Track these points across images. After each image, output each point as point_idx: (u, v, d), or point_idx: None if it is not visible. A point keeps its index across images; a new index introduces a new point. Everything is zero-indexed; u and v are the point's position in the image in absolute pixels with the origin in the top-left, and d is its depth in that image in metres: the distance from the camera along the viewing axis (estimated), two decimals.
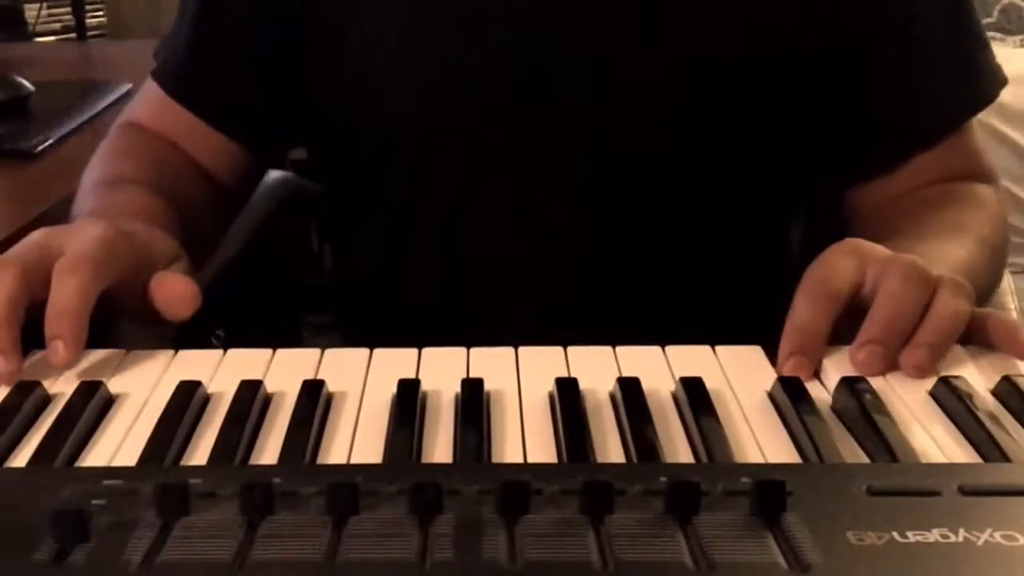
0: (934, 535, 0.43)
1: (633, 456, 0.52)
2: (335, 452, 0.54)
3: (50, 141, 1.17)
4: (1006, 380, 0.59)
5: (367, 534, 0.43)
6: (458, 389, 0.58)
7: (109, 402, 0.59)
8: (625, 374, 0.60)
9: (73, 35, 2.52)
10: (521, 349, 0.64)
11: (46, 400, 0.59)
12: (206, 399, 0.59)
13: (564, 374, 0.60)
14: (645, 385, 0.58)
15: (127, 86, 1.37)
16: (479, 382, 0.58)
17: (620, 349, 0.64)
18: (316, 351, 0.64)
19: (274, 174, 1.24)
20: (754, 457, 0.53)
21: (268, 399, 0.59)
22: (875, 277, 0.63)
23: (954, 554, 0.42)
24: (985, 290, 0.78)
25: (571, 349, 0.64)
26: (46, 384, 0.60)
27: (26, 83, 1.31)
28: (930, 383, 0.59)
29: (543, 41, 0.83)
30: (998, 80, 0.89)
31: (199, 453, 0.54)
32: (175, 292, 0.67)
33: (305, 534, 0.43)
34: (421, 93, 0.85)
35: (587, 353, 0.64)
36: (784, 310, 0.64)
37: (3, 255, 0.64)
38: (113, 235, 0.66)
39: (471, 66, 0.83)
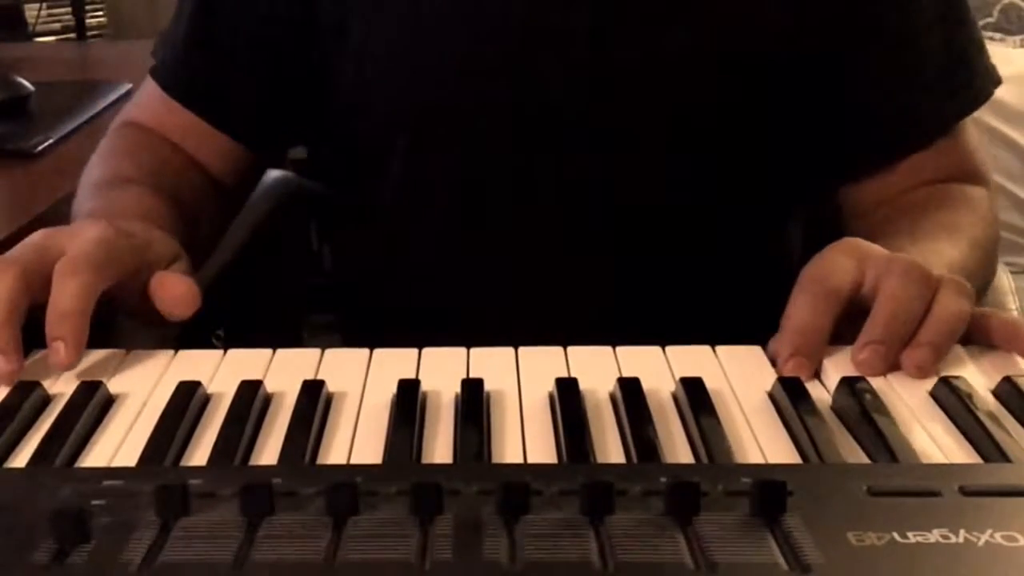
0: (934, 536, 0.43)
1: (633, 456, 0.52)
2: (335, 452, 0.54)
3: (50, 141, 1.17)
4: (1006, 380, 0.59)
5: (367, 534, 0.43)
6: (458, 389, 0.58)
7: (109, 402, 0.59)
8: (625, 374, 0.60)
9: (73, 35, 2.52)
10: (521, 349, 0.64)
11: (46, 400, 0.59)
12: (206, 399, 0.59)
13: (564, 374, 0.60)
14: (645, 385, 0.58)
15: (127, 86, 1.36)
16: (479, 382, 0.58)
17: (620, 349, 0.64)
18: (316, 351, 0.64)
19: (274, 174, 1.24)
20: (754, 457, 0.53)
21: (268, 399, 0.59)
22: (875, 277, 0.63)
23: (954, 555, 0.42)
24: (977, 291, 0.78)
25: (571, 349, 0.64)
26: (46, 384, 0.60)
27: (26, 83, 1.31)
28: (930, 383, 0.59)
29: (540, 39, 0.82)
30: (992, 80, 0.89)
31: (199, 453, 0.54)
32: (175, 292, 0.67)
33: (305, 534, 0.43)
34: (419, 93, 0.85)
35: (587, 353, 0.64)
36: (784, 310, 0.64)
37: (3, 256, 0.64)
38: (113, 235, 0.66)
39: (468, 66, 0.83)
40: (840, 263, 0.64)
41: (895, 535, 0.43)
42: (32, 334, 0.62)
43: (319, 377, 0.60)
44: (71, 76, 1.57)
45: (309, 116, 0.90)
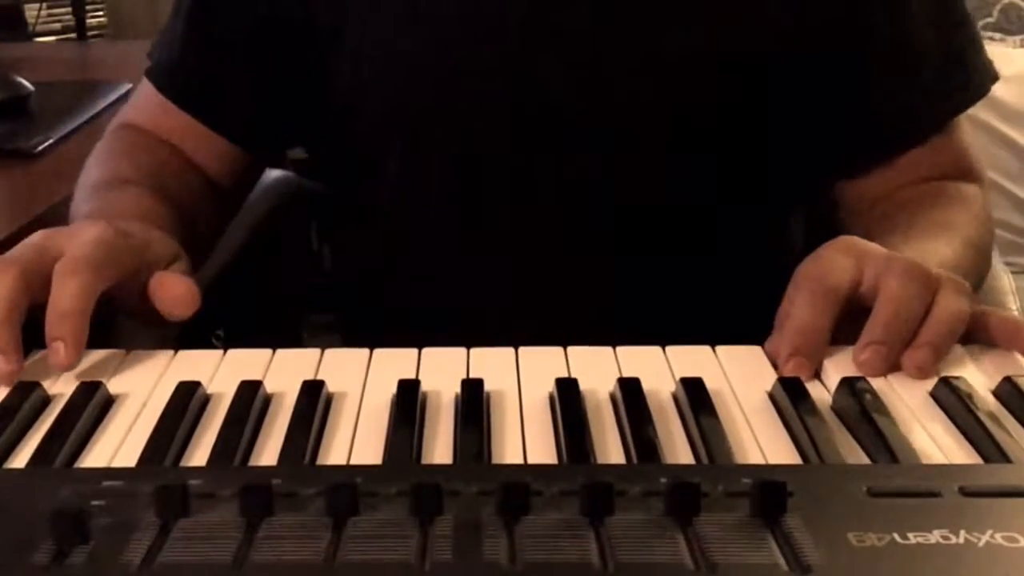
0: (935, 536, 0.43)
1: (633, 457, 0.52)
2: (335, 453, 0.54)
3: (50, 141, 1.17)
4: (1007, 380, 0.59)
5: (367, 535, 0.43)
6: (458, 389, 0.58)
7: (109, 402, 0.59)
8: (625, 374, 0.60)
9: (73, 35, 2.52)
10: (521, 349, 0.64)
11: (46, 400, 0.59)
12: (206, 399, 0.59)
13: (564, 374, 0.60)
14: (645, 385, 0.58)
15: (127, 86, 1.36)
16: (479, 382, 0.58)
17: (620, 349, 0.64)
18: (316, 351, 0.64)
19: (274, 174, 1.24)
20: (754, 458, 0.53)
21: (268, 399, 0.59)
22: (874, 276, 0.63)
23: (955, 555, 0.42)
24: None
25: (571, 349, 0.64)
26: (46, 384, 0.60)
27: (26, 83, 1.31)
28: (930, 383, 0.59)
29: (540, 39, 0.82)
30: (989, 76, 0.89)
31: (199, 454, 0.54)
32: (174, 292, 0.67)
33: (305, 535, 0.43)
34: (416, 93, 0.85)
35: (587, 353, 0.64)
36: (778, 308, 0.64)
37: (2, 256, 0.64)
38: (112, 236, 0.66)
39: (467, 66, 0.83)
40: (838, 262, 0.64)
41: (895, 536, 0.43)
42: (32, 334, 0.62)
43: (319, 377, 0.60)
44: (71, 76, 1.57)
45: (306, 117, 0.90)
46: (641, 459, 0.52)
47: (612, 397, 0.59)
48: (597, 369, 0.61)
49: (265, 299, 1.27)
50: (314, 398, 0.57)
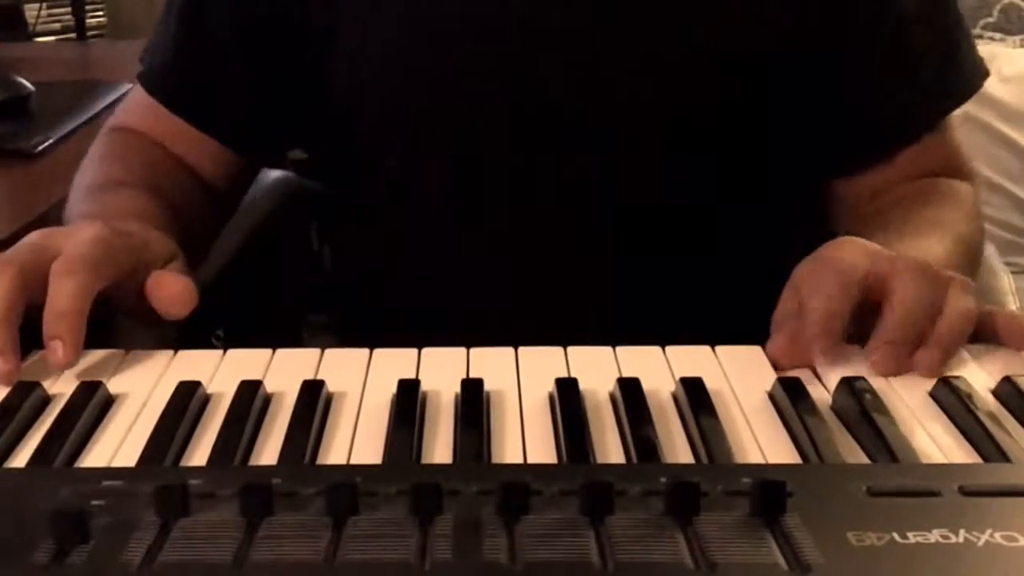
0: (934, 536, 0.43)
1: (633, 456, 0.52)
2: (335, 452, 0.54)
3: (50, 141, 1.17)
4: (1007, 380, 0.59)
5: (367, 535, 0.43)
6: (458, 389, 0.58)
7: (109, 402, 0.59)
8: (625, 374, 0.60)
9: (73, 35, 2.52)
10: (521, 349, 0.64)
11: (45, 400, 0.59)
12: (206, 399, 0.59)
13: (564, 374, 0.60)
14: (645, 385, 0.58)
15: (127, 86, 1.36)
16: (479, 382, 0.58)
17: (620, 349, 0.64)
18: (316, 351, 0.64)
19: (274, 174, 1.24)
20: (754, 457, 0.53)
21: (268, 399, 0.59)
22: (882, 274, 0.63)
23: (954, 555, 0.42)
24: None
25: (571, 349, 0.64)
26: (46, 384, 0.60)
27: (26, 83, 1.31)
28: (930, 383, 0.59)
29: (540, 39, 0.82)
30: (980, 73, 0.90)
31: (199, 453, 0.54)
32: (172, 291, 0.67)
33: (305, 535, 0.43)
34: (416, 93, 0.85)
35: (587, 353, 0.64)
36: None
37: (0, 256, 0.64)
38: (109, 235, 0.66)
39: (467, 66, 0.83)
40: (849, 258, 0.64)
41: (895, 535, 0.43)
42: (31, 335, 0.62)
43: (319, 377, 0.60)
44: (71, 76, 1.57)
45: (302, 118, 0.90)
46: (641, 459, 0.52)
47: (612, 397, 0.59)
48: (597, 369, 0.61)
49: (265, 299, 1.27)
50: (314, 398, 0.57)
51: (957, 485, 0.46)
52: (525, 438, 0.55)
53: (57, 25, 2.76)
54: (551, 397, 0.58)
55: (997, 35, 1.98)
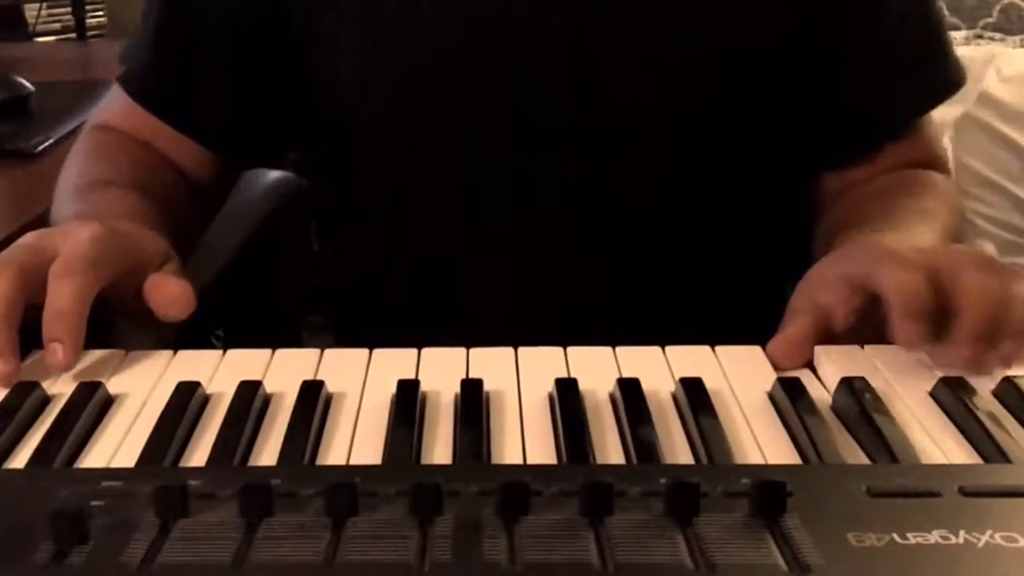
0: (934, 536, 0.43)
1: (633, 457, 0.52)
2: (334, 453, 0.54)
3: (50, 141, 1.17)
4: (1006, 380, 0.59)
5: (366, 535, 0.43)
6: (458, 389, 0.58)
7: (108, 402, 0.59)
8: (625, 374, 0.60)
9: (73, 35, 2.52)
10: (521, 349, 0.64)
11: (45, 401, 0.59)
12: (205, 399, 0.59)
13: (564, 374, 0.60)
14: (645, 385, 0.58)
15: None
16: (479, 382, 0.58)
17: (620, 349, 0.64)
18: (316, 351, 0.64)
19: (274, 174, 1.24)
20: (754, 458, 0.53)
21: (267, 399, 0.59)
22: (946, 277, 0.62)
23: (954, 555, 0.42)
24: None
25: (571, 349, 0.64)
26: (45, 385, 0.60)
27: (26, 83, 1.31)
28: (930, 383, 0.59)
29: (540, 39, 0.82)
30: (960, 71, 0.91)
31: (198, 454, 0.54)
32: (170, 294, 0.66)
33: (304, 535, 0.43)
34: (415, 93, 0.85)
35: (587, 353, 0.64)
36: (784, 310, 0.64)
37: None
38: (106, 235, 0.65)
39: (467, 66, 0.83)
40: (904, 251, 0.64)
41: (895, 536, 0.43)
42: (31, 335, 0.62)
43: (319, 377, 0.60)
44: (71, 76, 1.57)
45: (289, 121, 0.90)
46: (641, 459, 0.52)
47: (612, 397, 0.59)
48: (597, 369, 0.61)
49: (265, 299, 1.27)
50: (314, 398, 0.57)
51: (957, 485, 0.46)
52: (525, 438, 0.55)
53: (57, 25, 2.76)
54: (551, 397, 0.58)
55: (997, 35, 1.98)
